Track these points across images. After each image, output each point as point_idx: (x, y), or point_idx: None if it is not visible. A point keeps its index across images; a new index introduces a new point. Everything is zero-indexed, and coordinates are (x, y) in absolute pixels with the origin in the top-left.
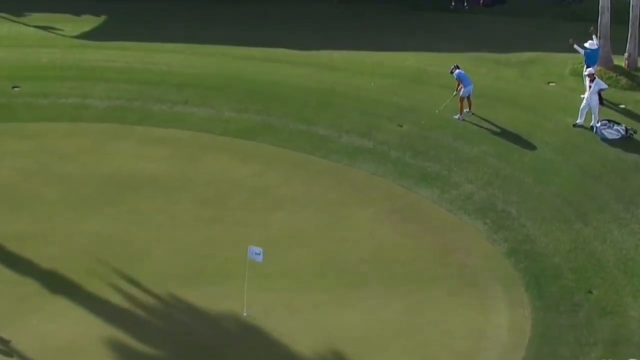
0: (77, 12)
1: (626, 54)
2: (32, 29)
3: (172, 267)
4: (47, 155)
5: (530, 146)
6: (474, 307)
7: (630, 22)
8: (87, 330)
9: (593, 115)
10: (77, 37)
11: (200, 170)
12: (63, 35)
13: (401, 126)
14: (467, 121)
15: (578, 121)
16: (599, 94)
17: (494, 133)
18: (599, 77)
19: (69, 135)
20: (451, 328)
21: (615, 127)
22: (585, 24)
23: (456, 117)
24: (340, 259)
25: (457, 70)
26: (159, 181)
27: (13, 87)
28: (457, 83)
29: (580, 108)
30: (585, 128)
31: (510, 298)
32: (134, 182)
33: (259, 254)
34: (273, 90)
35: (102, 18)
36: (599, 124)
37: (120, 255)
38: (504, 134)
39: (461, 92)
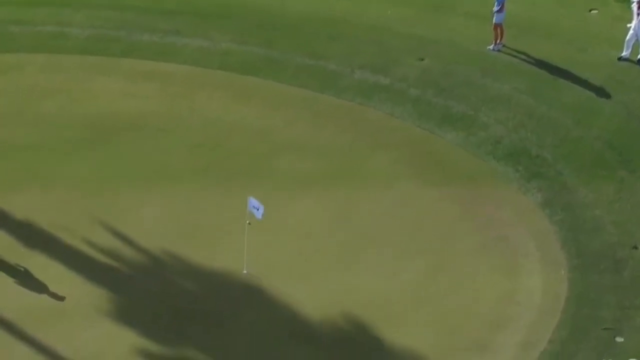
0: None
1: None
2: None
3: (163, 220)
4: (22, 93)
5: (568, 83)
6: (504, 267)
7: None
8: (68, 290)
9: None
10: None
11: (194, 110)
12: None
13: (422, 60)
14: (500, 52)
15: (623, 54)
16: None
17: (528, 68)
18: None
19: (47, 69)
20: (477, 292)
21: None
22: None
23: (490, 47)
24: (352, 211)
25: None
26: (147, 122)
27: None
28: (500, 6)
29: (626, 39)
30: (632, 62)
31: (545, 256)
32: (120, 124)
33: (258, 209)
34: (277, 19)
35: None
36: None
37: (104, 206)
38: (539, 68)
39: (496, 18)
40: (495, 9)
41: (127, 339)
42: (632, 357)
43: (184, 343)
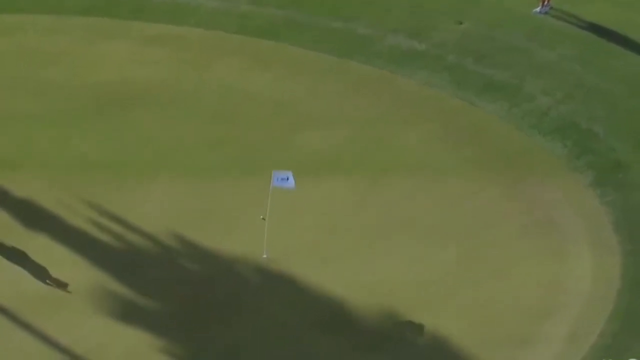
0: None
1: None
2: None
3: (174, 200)
4: (22, 58)
5: (623, 49)
6: (549, 252)
7: None
8: (71, 276)
9: None
10: None
11: (208, 79)
12: None
13: (461, 24)
14: (547, 15)
15: None
16: None
17: (578, 32)
18: None
19: (49, 31)
20: (519, 279)
21: None
22: None
23: (536, 10)
24: (380, 192)
25: None
26: (158, 92)
27: None
28: None
29: None
30: None
31: (595, 240)
32: (127, 93)
33: (287, 179)
34: None
35: None
36: None
37: (110, 183)
38: (591, 33)
39: None
40: None
41: (134, 330)
42: (633, 357)
43: (196, 334)
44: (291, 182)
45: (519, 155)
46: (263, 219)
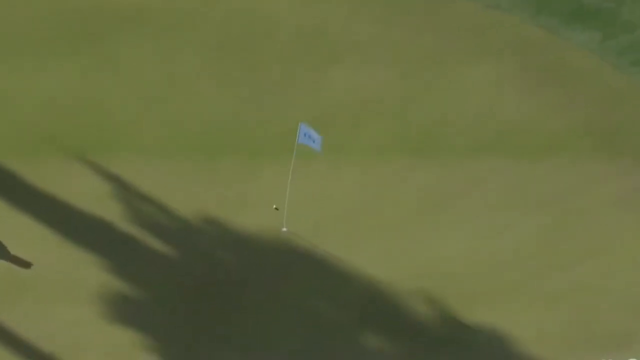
0: None
1: None
2: None
3: (173, 152)
4: None
5: None
6: None
7: None
8: (38, 255)
9: None
10: None
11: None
12: None
13: None
14: None
15: None
16: None
17: None
18: None
19: None
20: (617, 262)
21: None
22: None
23: None
24: (434, 145)
25: None
26: (149, 14)
27: None
28: None
29: None
30: None
31: None
32: (111, 18)
33: (315, 142)
34: None
35: None
36: None
37: (88, 137)
38: None
39: None
40: None
41: (119, 324)
42: (633, 357)
43: (200, 327)
44: (318, 145)
45: (615, 100)
46: (276, 208)
